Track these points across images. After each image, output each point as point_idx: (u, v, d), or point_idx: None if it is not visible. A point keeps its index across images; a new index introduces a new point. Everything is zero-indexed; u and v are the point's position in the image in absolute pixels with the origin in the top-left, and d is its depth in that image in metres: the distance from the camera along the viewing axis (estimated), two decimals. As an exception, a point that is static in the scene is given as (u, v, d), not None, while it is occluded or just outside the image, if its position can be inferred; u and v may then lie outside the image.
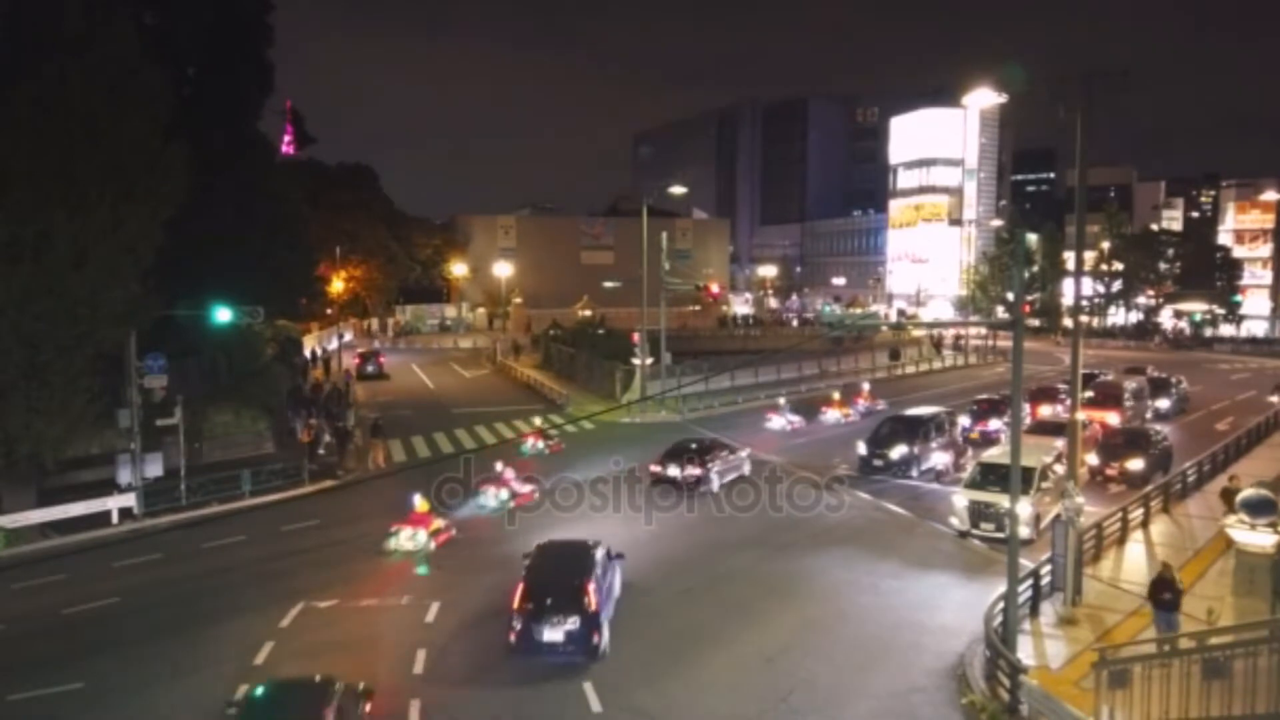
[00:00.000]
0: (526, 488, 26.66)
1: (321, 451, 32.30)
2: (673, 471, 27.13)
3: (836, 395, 41.34)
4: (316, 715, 11.75)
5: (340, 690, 12.37)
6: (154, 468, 25.81)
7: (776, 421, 37.50)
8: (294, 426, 35.17)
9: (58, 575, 20.26)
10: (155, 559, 21.73)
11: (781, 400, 39.77)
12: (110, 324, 23.19)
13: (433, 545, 22.09)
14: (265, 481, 27.63)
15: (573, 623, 15.53)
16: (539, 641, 15.60)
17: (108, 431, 26.53)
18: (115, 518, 24.80)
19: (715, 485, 27.20)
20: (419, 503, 22.74)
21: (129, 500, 25.15)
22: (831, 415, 39.30)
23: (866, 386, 44.34)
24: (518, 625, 15.70)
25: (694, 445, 28.61)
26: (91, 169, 21.65)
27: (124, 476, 25.33)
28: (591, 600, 15.78)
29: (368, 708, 13.39)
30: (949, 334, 72.96)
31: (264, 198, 38.83)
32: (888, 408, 40.05)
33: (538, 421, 39.07)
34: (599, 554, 17.34)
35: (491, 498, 25.76)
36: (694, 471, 26.93)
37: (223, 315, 27.37)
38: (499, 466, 27.04)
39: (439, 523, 22.76)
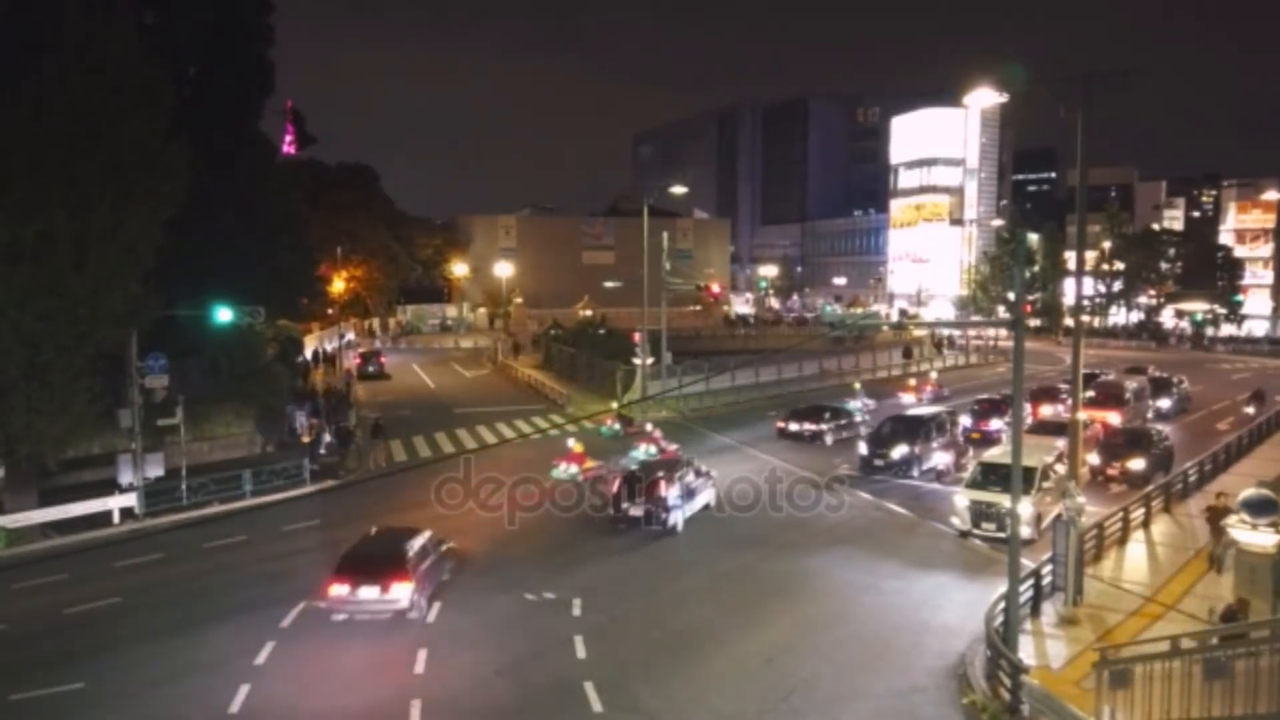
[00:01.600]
0: (672, 446, 31.00)
1: (323, 452, 32.30)
2: (794, 427, 35.15)
3: (911, 381, 48.59)
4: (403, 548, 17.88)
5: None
6: (155, 468, 25.81)
7: (853, 404, 39.83)
8: (295, 426, 35.17)
9: (59, 575, 20.27)
10: (156, 559, 21.74)
11: (857, 385, 44.73)
12: (111, 324, 23.20)
13: (581, 477, 28.27)
14: (266, 481, 27.64)
15: (650, 505, 23.09)
16: (627, 515, 23.40)
17: (109, 432, 26.54)
18: (116, 518, 24.82)
19: (829, 440, 34.44)
20: (574, 445, 29.79)
21: (130, 500, 25.17)
22: (906, 398, 44.34)
23: (934, 375, 50.93)
24: (613, 508, 23.73)
25: (817, 408, 36.59)
26: (92, 169, 21.64)
27: (125, 476, 25.33)
28: (664, 491, 23.29)
29: (446, 548, 19.79)
30: (944, 334, 72.95)
31: (265, 198, 38.81)
32: (949, 393, 45.23)
33: (539, 421, 39.09)
34: (687, 466, 25.24)
35: (642, 452, 30.49)
36: (811, 427, 34.77)
37: (223, 315, 27.38)
38: (649, 427, 34.06)
39: (591, 462, 29.42)
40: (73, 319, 21.99)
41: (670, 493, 23.36)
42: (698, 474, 25.34)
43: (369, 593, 17.27)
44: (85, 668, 15.79)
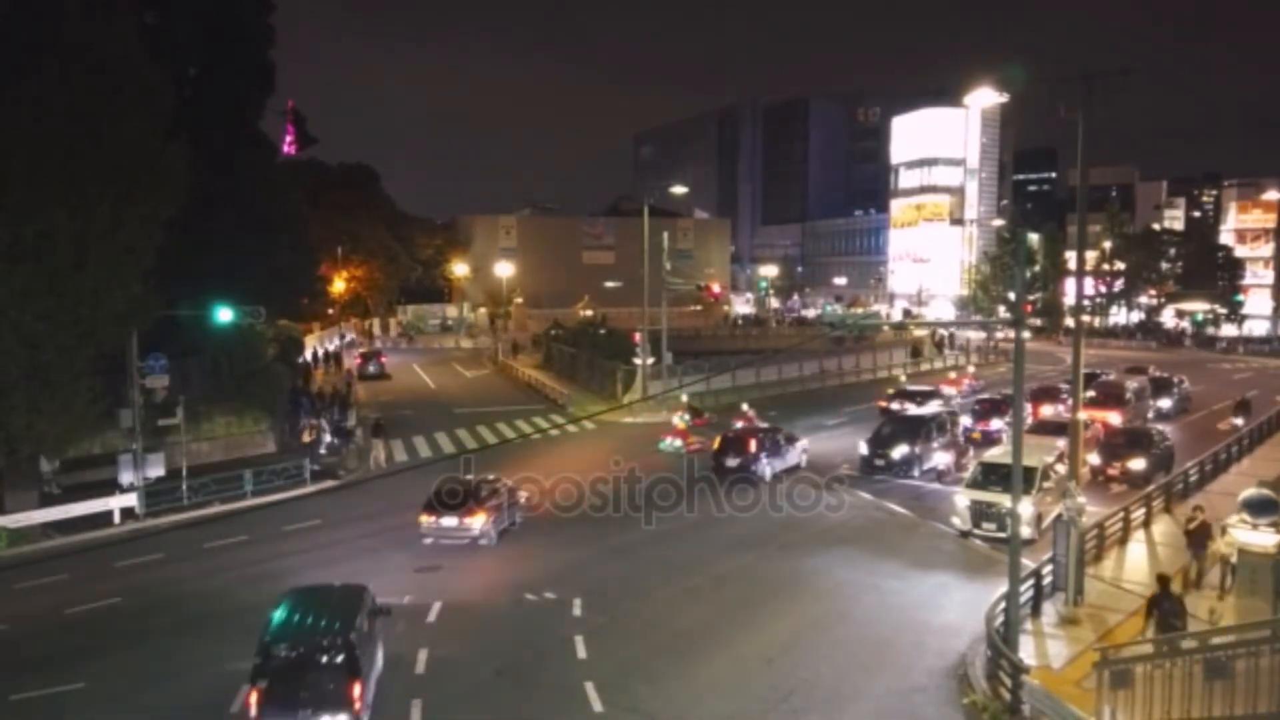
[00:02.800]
0: (764, 424, 33.20)
1: (323, 452, 32.31)
2: (896, 405, 38.46)
3: (953, 374, 51.97)
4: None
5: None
6: (155, 468, 25.82)
7: (948, 389, 44.32)
8: (296, 426, 35.17)
9: (60, 575, 20.28)
10: (157, 559, 21.75)
11: (903, 377, 50.85)
12: (111, 324, 23.21)
13: (685, 450, 32.19)
14: (267, 482, 27.64)
15: (744, 459, 28.35)
16: (725, 467, 28.36)
17: (109, 432, 26.55)
18: (117, 518, 24.83)
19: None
20: (678, 422, 34.67)
21: (131, 500, 25.17)
22: (948, 390, 45.71)
23: (972, 369, 53.61)
24: (714, 461, 28.86)
25: (916, 389, 41.35)
26: (92, 169, 21.65)
27: (126, 477, 25.34)
28: (754, 449, 28.59)
29: (522, 498, 24.67)
30: (943, 333, 72.95)
31: (265, 198, 38.86)
32: (985, 386, 47.68)
33: (540, 421, 39.10)
34: (776, 432, 30.32)
35: (668, 437, 34.08)
36: (912, 407, 36.80)
37: (224, 315, 27.39)
38: (745, 407, 36.38)
39: (694, 438, 33.27)
40: (73, 319, 22.01)
41: (760, 450, 28.59)
42: (788, 439, 30.38)
43: (449, 521, 22.06)
44: (85, 668, 15.79)
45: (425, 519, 22.19)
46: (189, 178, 24.91)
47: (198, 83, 36.53)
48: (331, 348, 62.17)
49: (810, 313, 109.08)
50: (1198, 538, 18.99)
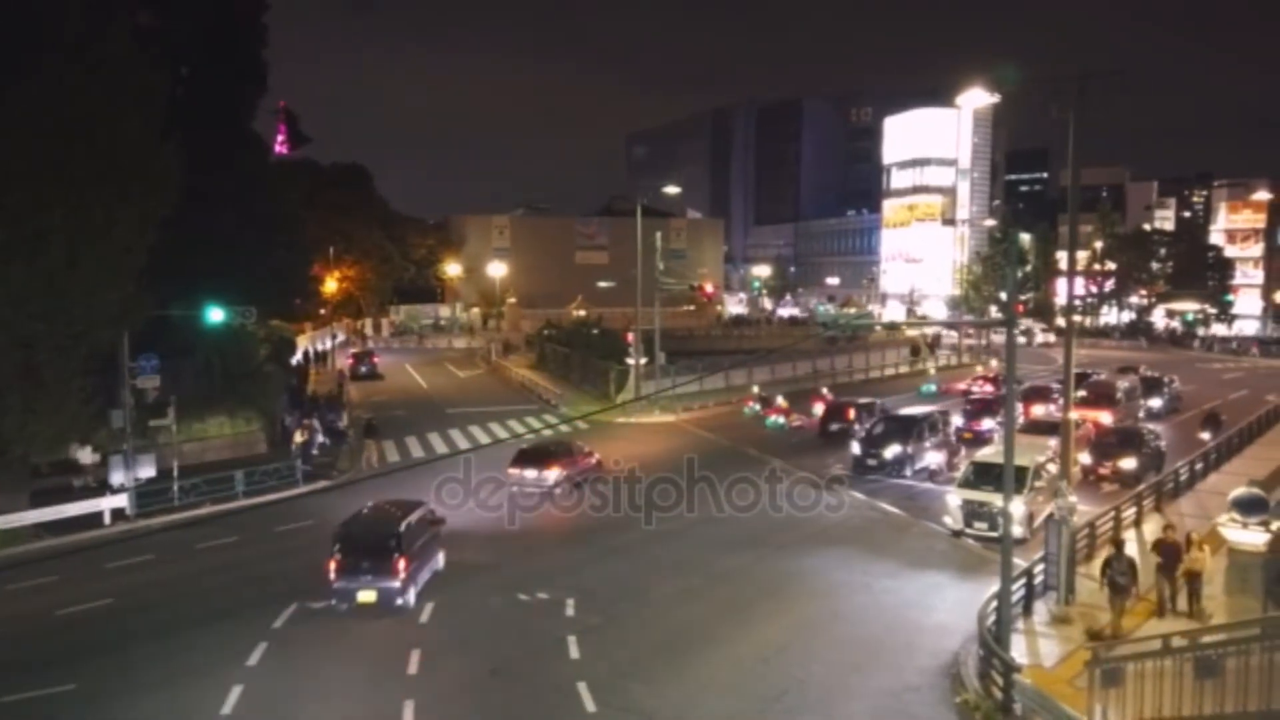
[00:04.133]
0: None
1: (315, 452, 32.23)
2: (976, 388, 44.38)
3: (979, 369, 56.22)
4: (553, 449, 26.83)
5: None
6: (147, 468, 25.73)
7: (926, 388, 48.20)
8: (288, 427, 35.05)
9: (50, 576, 20.19)
10: (148, 560, 21.67)
11: (931, 371, 55.75)
12: (105, 324, 23.13)
13: (788, 425, 37.34)
14: (259, 482, 27.57)
15: (843, 425, 34.46)
16: (829, 431, 34.97)
17: (101, 432, 26.45)
18: (108, 519, 24.74)
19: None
20: (781, 400, 39.89)
21: (121, 501, 25.09)
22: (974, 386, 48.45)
23: (995, 364, 57.81)
24: (820, 428, 35.67)
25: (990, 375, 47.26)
26: (87, 168, 21.58)
27: (117, 477, 25.25)
28: (852, 416, 34.91)
29: (595, 459, 28.78)
30: (936, 333, 73.19)
31: (259, 197, 38.72)
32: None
33: (533, 421, 39.09)
34: (875, 402, 36.31)
35: (818, 406, 38.68)
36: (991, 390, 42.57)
37: (215, 315, 27.31)
38: (824, 389, 43.60)
39: (795, 415, 38.18)
40: (67, 319, 21.92)
41: (856, 417, 34.32)
42: (868, 410, 35.28)
43: (531, 474, 26.58)
44: (76, 669, 15.74)
45: (512, 470, 26.84)
46: (182, 177, 24.82)
47: (191, 82, 36.39)
48: (323, 348, 62.01)
49: (787, 311, 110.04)
50: (1167, 556, 17.54)
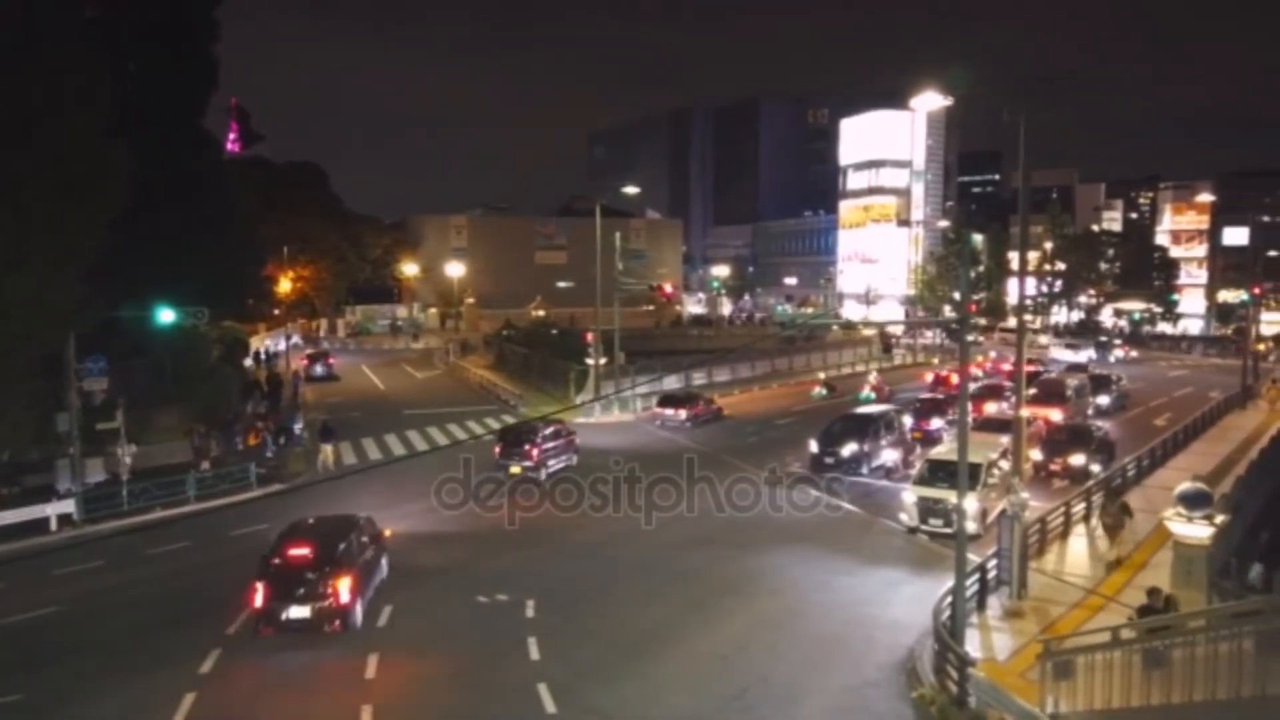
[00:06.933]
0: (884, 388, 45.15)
1: (269, 455, 31.73)
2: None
3: (980, 358, 56.46)
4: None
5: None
6: (94, 472, 25.14)
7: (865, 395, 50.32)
8: (237, 430, 34.43)
9: (-6, 584, 19.66)
10: (97, 566, 21.18)
11: (936, 360, 61.16)
12: (51, 326, 22.55)
13: (874, 397, 42.17)
14: (211, 486, 27.08)
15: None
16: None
17: (48, 436, 25.79)
18: (54, 524, 24.12)
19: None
20: (873, 378, 47.17)
21: (68, 506, 24.49)
22: (977, 372, 49.70)
23: (994, 354, 60.16)
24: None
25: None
26: (30, 167, 21.01)
27: (63, 482, 24.65)
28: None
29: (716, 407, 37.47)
30: (892, 333, 74.16)
31: (211, 196, 38.01)
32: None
33: (491, 422, 38.88)
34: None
35: (866, 389, 44.07)
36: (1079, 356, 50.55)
37: (166, 316, 26.79)
38: (873, 377, 48.10)
39: (882, 389, 44.27)
40: (12, 320, 21.32)
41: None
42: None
43: (669, 412, 38.22)
44: (23, 679, 15.34)
45: (658, 409, 38.71)
46: (132, 176, 24.29)
47: (140, 78, 35.59)
48: (276, 348, 60.99)
49: (744, 312, 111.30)
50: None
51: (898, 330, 75.11)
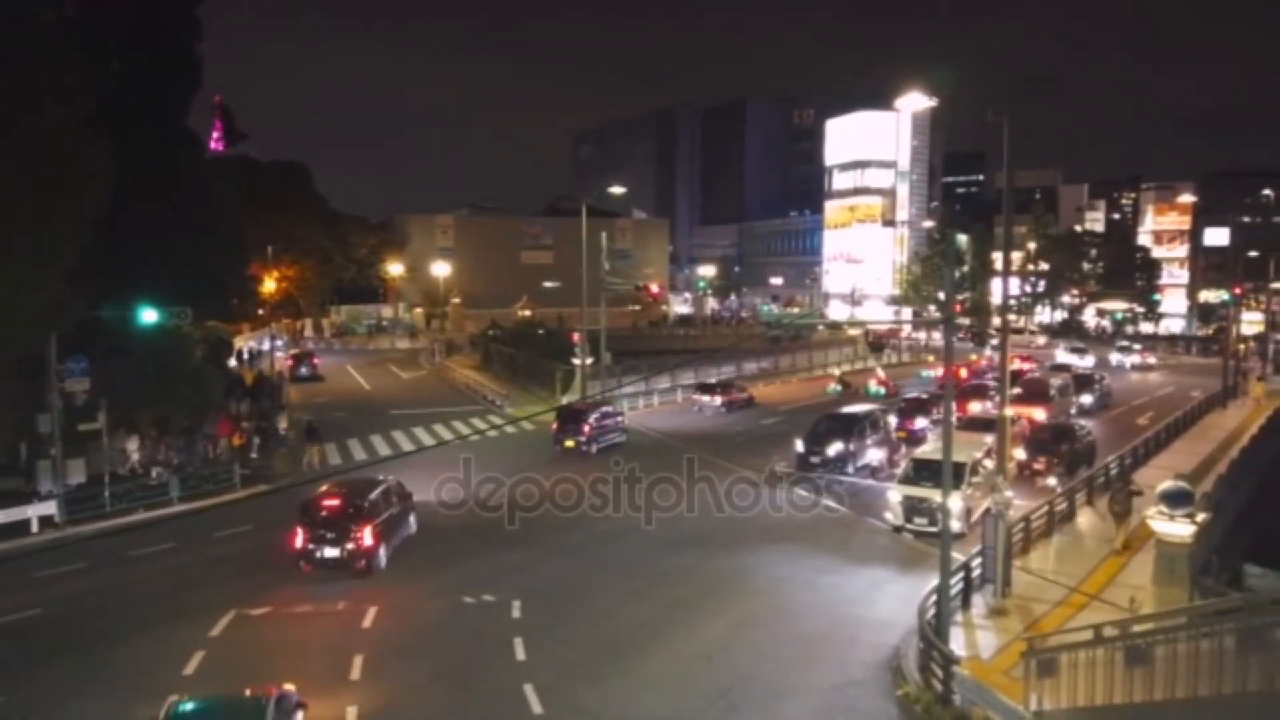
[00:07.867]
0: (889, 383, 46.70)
1: (254, 455, 31.54)
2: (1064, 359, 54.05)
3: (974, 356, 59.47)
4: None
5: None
6: (76, 474, 24.91)
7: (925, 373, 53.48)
8: (200, 436, 34.05)
9: (-27, 587, 19.46)
10: (79, 568, 20.97)
11: (931, 358, 61.20)
12: (32, 325, 22.34)
13: (884, 391, 44.06)
14: (195, 487, 26.90)
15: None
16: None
17: (25, 437, 25.54)
18: (35, 526, 23.88)
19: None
20: (880, 371, 49.33)
21: (49, 508, 24.25)
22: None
23: (989, 352, 60.15)
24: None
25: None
26: (10, 165, 20.81)
27: (44, 483, 24.41)
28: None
29: (747, 394, 41.46)
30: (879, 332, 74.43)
31: (194, 195, 37.74)
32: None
33: (477, 422, 38.81)
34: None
35: (874, 384, 46.49)
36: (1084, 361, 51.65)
37: (149, 316, 26.59)
38: (879, 370, 50.60)
39: (889, 384, 45.87)
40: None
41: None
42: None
43: (705, 398, 41.89)
44: (5, 682, 15.19)
45: (696, 396, 42.80)
46: (114, 174, 24.09)
47: (123, 77, 35.30)
48: (260, 348, 60.60)
49: (727, 312, 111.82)
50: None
51: (880, 330, 75.37)
